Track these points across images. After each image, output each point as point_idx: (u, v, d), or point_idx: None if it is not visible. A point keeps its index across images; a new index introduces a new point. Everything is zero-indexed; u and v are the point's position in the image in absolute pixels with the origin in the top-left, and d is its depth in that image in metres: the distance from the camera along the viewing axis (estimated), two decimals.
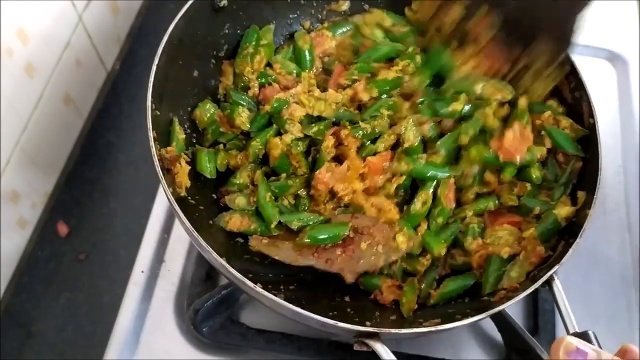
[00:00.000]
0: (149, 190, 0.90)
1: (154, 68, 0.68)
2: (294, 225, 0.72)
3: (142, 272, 0.82)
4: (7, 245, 0.88)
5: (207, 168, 0.75)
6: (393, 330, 0.62)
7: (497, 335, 0.81)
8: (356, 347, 0.62)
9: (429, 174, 0.74)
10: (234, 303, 0.80)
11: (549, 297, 0.84)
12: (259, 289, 0.61)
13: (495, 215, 0.76)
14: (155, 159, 0.65)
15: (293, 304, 0.61)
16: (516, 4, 0.65)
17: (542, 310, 0.84)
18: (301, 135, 0.76)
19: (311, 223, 0.72)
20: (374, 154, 0.75)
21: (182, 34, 0.73)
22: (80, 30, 0.98)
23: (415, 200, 0.73)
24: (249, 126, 0.77)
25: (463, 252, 0.75)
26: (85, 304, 0.88)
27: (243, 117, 0.77)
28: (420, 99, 0.77)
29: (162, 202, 0.88)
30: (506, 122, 0.76)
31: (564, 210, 0.72)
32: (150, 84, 0.68)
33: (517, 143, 0.73)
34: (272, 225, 0.72)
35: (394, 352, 0.59)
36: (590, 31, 1.13)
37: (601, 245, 0.93)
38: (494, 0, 0.66)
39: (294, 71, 0.83)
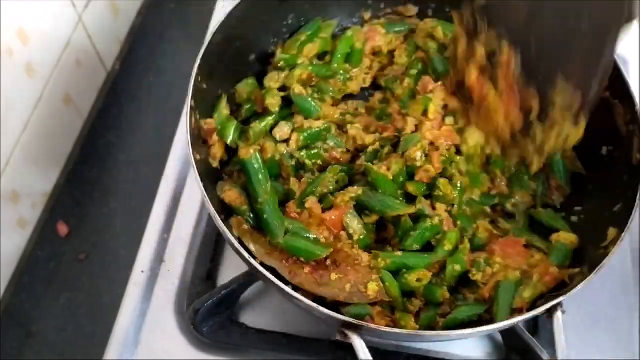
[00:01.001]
0: (149, 190, 0.90)
1: (205, 43, 0.71)
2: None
3: (142, 272, 0.82)
4: (7, 245, 0.88)
5: (229, 135, 0.75)
6: (372, 326, 0.62)
7: (497, 335, 0.81)
8: (337, 337, 0.61)
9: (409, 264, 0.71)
10: (234, 303, 0.80)
11: None
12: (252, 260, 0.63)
13: (501, 243, 0.74)
14: (187, 125, 0.67)
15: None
16: (537, 38, 0.59)
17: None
18: (292, 151, 0.76)
19: (296, 231, 0.69)
20: (330, 207, 0.72)
21: (243, 15, 0.75)
22: (80, 30, 0.98)
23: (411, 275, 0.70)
24: (276, 109, 0.78)
25: (472, 290, 0.73)
26: (85, 304, 0.88)
27: (275, 101, 0.77)
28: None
29: (162, 202, 0.88)
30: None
31: (571, 237, 0.74)
32: (200, 56, 0.70)
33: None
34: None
35: (395, 347, 0.59)
36: None
37: None
38: (514, 36, 0.61)
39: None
